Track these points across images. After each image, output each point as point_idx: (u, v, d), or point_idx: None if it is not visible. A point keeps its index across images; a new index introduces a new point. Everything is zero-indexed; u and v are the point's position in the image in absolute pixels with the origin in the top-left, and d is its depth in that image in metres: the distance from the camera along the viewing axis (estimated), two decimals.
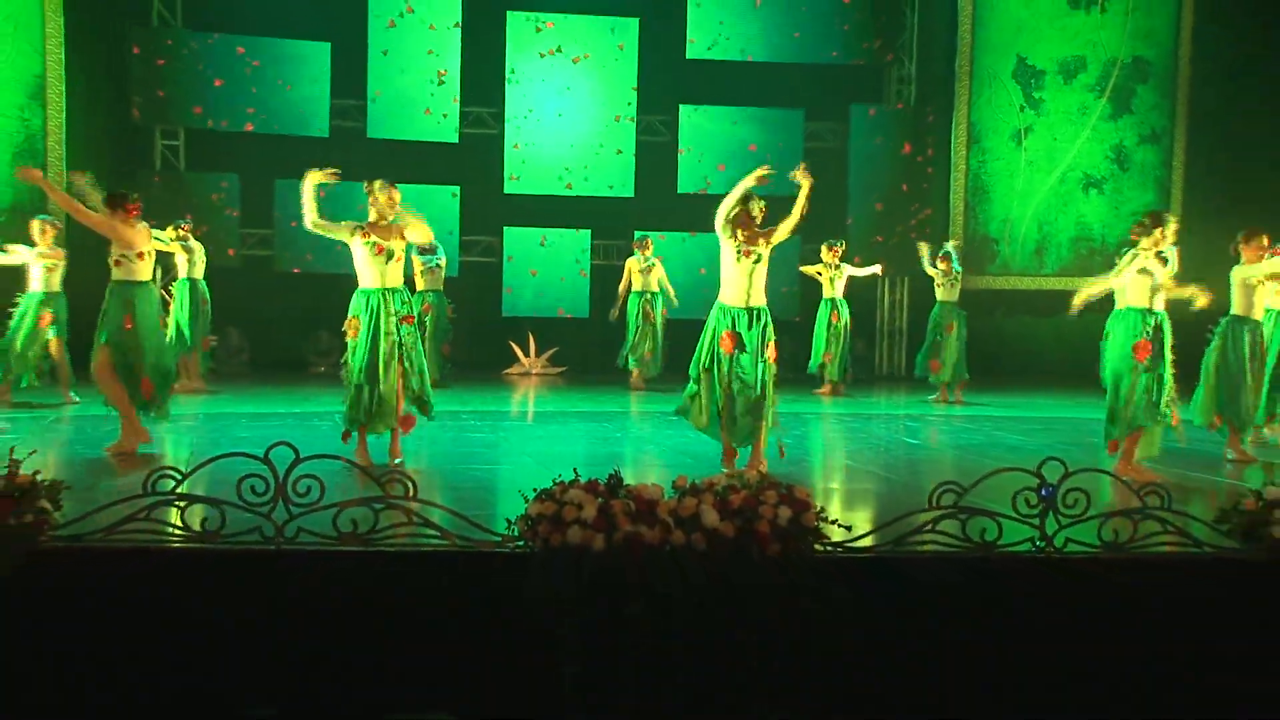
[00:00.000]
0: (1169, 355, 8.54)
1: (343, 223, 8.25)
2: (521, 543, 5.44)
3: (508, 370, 16.22)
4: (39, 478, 5.42)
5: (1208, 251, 16.93)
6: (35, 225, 11.73)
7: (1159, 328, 8.46)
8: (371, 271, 8.20)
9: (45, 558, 5.27)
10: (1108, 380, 8.67)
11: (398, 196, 8.19)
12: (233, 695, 5.00)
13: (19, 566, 5.15)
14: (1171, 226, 8.69)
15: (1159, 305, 8.56)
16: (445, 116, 16.13)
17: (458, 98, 16.21)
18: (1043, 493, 5.81)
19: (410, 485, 5.60)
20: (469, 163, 16.34)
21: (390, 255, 8.22)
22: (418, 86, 16.02)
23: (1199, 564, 5.89)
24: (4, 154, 15.17)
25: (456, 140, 16.26)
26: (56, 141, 15.29)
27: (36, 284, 11.60)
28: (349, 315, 8.23)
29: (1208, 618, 5.77)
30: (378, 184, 8.23)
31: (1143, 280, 8.48)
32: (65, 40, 15.25)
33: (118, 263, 8.72)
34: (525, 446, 10.18)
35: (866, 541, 5.71)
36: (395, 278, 8.30)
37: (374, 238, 8.16)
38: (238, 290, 15.94)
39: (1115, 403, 8.57)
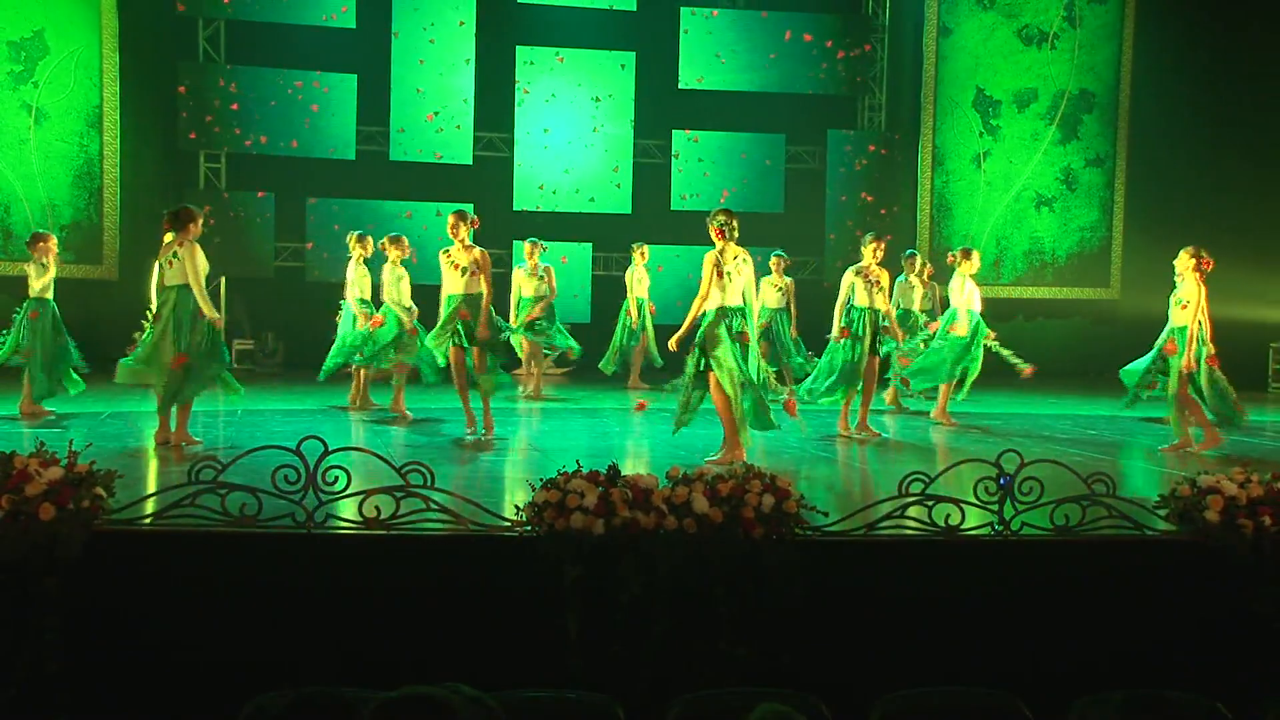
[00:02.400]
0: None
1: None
2: (529, 527, 5.41)
3: (516, 371, 16.14)
4: (94, 468, 5.39)
5: (1146, 261, 17.04)
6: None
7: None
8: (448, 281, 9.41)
9: (100, 540, 5.25)
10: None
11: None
12: (264, 666, 4.97)
13: (78, 551, 5.13)
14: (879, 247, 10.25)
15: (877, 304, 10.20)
16: (460, 141, 16.07)
17: (472, 123, 16.14)
18: (1001, 482, 5.79)
19: (429, 475, 5.57)
20: (481, 183, 16.18)
21: (464, 270, 9.41)
22: (435, 113, 15.93)
23: (1140, 545, 5.88)
24: (65, 176, 15.10)
25: (470, 163, 16.16)
26: (112, 165, 15.23)
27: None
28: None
29: (1148, 593, 5.76)
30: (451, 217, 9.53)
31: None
32: (120, 75, 15.17)
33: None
34: (532, 440, 10.15)
35: (842, 526, 5.69)
36: (468, 286, 9.39)
37: (452, 257, 9.42)
38: (272, 298, 15.92)
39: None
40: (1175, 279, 9.71)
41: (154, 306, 8.89)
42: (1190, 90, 17.49)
